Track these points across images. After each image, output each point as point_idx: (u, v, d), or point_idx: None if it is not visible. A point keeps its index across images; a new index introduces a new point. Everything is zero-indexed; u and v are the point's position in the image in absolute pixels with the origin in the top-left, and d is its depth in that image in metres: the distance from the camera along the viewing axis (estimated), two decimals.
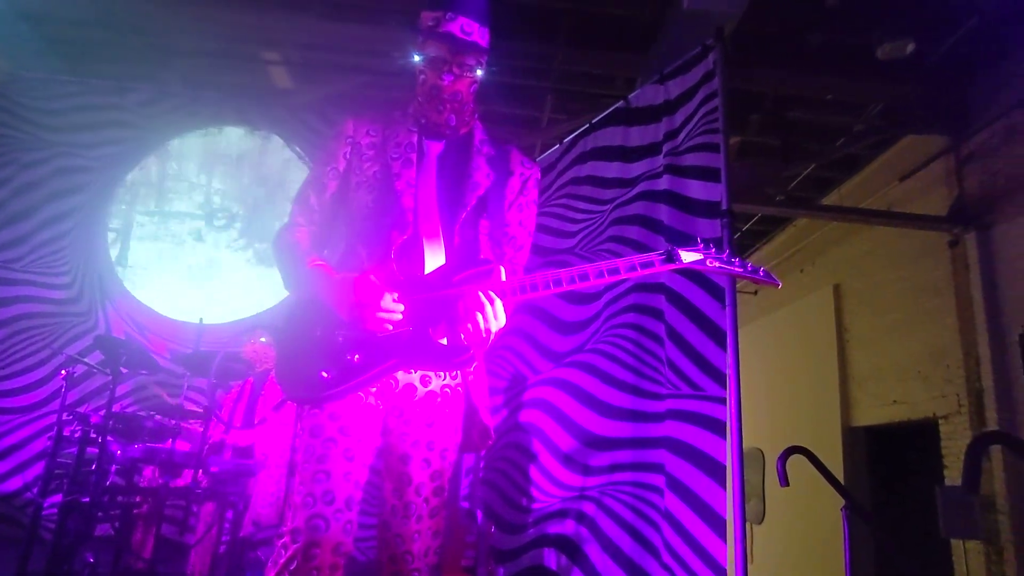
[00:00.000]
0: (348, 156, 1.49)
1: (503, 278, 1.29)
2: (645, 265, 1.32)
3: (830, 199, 6.43)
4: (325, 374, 1.31)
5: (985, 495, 4.39)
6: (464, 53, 1.41)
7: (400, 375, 1.39)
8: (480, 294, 1.24)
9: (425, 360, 1.35)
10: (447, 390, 1.42)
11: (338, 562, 1.24)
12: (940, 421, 4.99)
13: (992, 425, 4.47)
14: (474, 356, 1.37)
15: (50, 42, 4.89)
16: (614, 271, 1.29)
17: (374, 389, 1.38)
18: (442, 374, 1.42)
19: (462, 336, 1.30)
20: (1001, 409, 4.46)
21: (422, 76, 1.46)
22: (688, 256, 1.34)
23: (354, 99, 5.27)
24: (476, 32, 1.41)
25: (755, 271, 1.40)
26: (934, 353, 5.10)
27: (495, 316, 1.25)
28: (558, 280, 1.29)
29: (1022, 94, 4.41)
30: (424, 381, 1.40)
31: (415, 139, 1.48)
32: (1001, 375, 4.50)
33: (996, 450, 4.37)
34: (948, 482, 4.75)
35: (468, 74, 1.42)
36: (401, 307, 1.31)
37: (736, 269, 1.39)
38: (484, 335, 1.25)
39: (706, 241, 1.41)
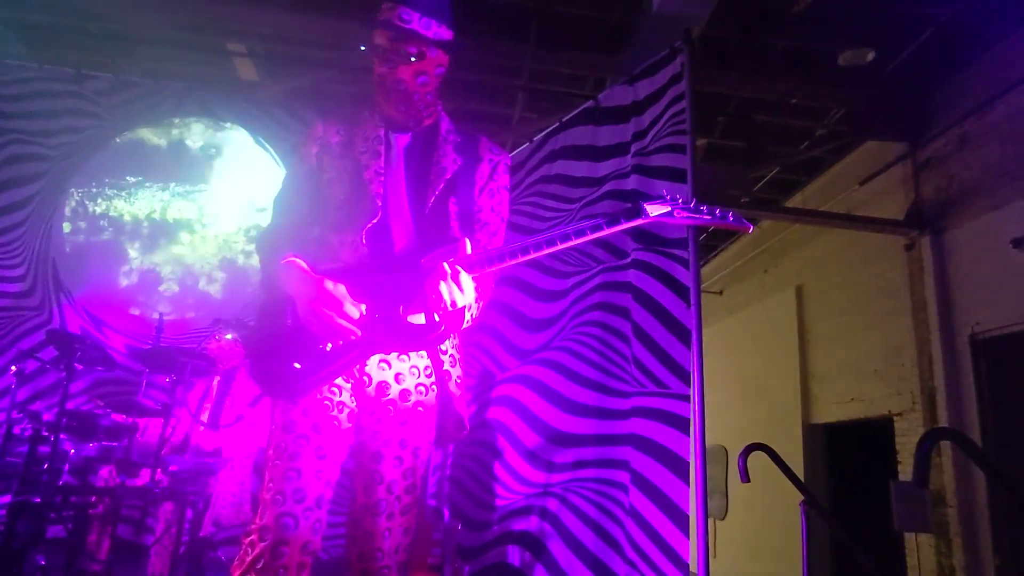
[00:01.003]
0: (319, 156, 1.51)
1: (468, 251, 1.28)
2: (611, 222, 1.28)
3: (793, 201, 6.58)
4: (298, 365, 1.30)
5: (935, 490, 4.55)
6: (402, 40, 1.41)
7: (374, 372, 1.39)
8: (445, 267, 1.24)
9: (398, 341, 1.34)
10: (421, 388, 1.42)
11: (305, 561, 1.22)
12: (895, 418, 5.15)
13: (944, 422, 4.63)
14: (445, 334, 1.36)
15: (4, 24, 4.71)
16: (580, 232, 1.28)
17: (348, 386, 1.38)
18: (416, 371, 1.42)
19: (433, 314, 1.30)
20: (951, 407, 4.62)
21: (374, 68, 1.49)
22: (655, 209, 1.30)
23: (320, 93, 5.20)
24: (416, 21, 1.41)
25: (724, 216, 1.34)
26: (890, 353, 5.27)
27: (461, 289, 1.24)
28: (525, 248, 1.28)
29: (976, 104, 4.58)
30: (398, 379, 1.41)
31: (382, 133, 1.51)
32: (952, 374, 4.67)
33: (947, 446, 4.53)
34: (902, 477, 4.91)
35: (405, 62, 1.42)
36: (357, 331, 1.31)
37: (704, 217, 1.33)
38: (452, 308, 1.25)
39: (672, 191, 1.38)
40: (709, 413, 2.90)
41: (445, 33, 1.45)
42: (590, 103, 3.80)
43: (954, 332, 4.71)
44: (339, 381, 1.36)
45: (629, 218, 1.28)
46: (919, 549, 4.69)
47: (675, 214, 1.31)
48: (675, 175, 3.13)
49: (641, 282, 3.17)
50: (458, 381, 1.48)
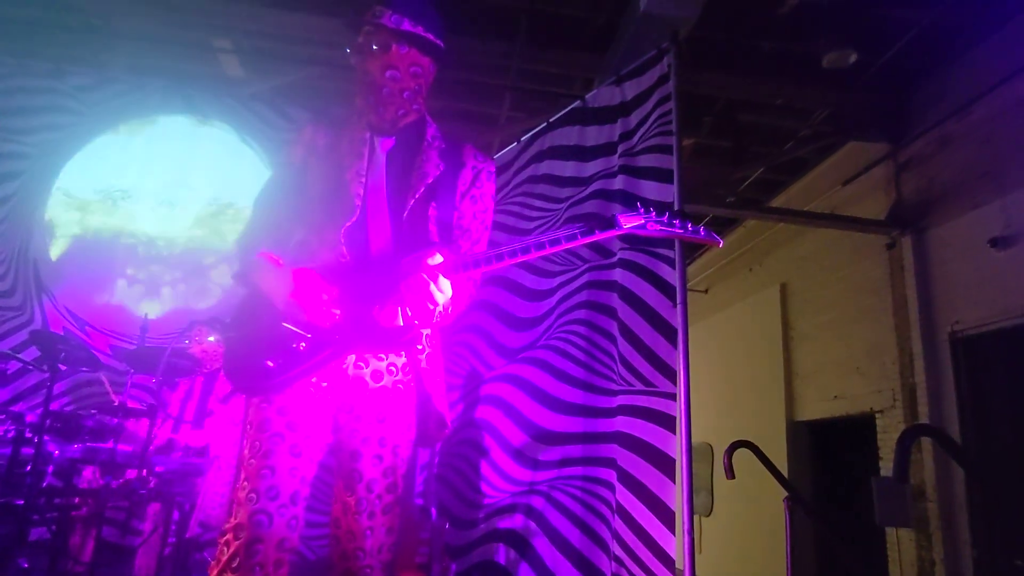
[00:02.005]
0: (305, 158, 1.53)
1: (442, 258, 1.30)
2: (585, 233, 1.33)
3: (778, 201, 6.65)
4: (271, 363, 1.30)
5: (916, 485, 4.63)
6: (371, 35, 1.47)
7: (351, 370, 1.39)
8: (423, 272, 1.26)
9: (372, 342, 1.35)
10: (399, 385, 1.42)
11: (283, 558, 1.23)
12: (877, 415, 5.23)
13: (924, 418, 4.71)
14: (418, 336, 1.39)
15: None
16: (556, 242, 1.31)
17: (325, 384, 1.38)
18: (394, 369, 1.42)
19: (407, 314, 1.33)
20: (932, 403, 4.70)
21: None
22: (628, 221, 1.35)
23: (307, 90, 5.17)
24: (386, 17, 1.47)
25: (695, 231, 1.40)
26: (872, 350, 5.34)
27: (439, 290, 1.27)
28: (500, 255, 1.30)
29: (956, 105, 4.65)
30: (375, 376, 1.41)
31: (367, 136, 1.53)
32: (932, 371, 4.75)
33: (927, 442, 4.61)
34: (884, 473, 4.99)
35: (371, 54, 1.46)
36: (336, 311, 1.33)
37: (676, 231, 1.39)
38: (429, 311, 1.28)
39: (646, 205, 1.42)
40: (694, 410, 2.93)
41: (415, 29, 1.48)
42: (577, 103, 3.81)
43: (934, 330, 4.79)
44: (315, 380, 1.36)
45: (603, 229, 1.33)
46: (900, 543, 4.77)
47: (647, 227, 1.36)
48: (662, 175, 3.16)
49: (627, 281, 3.20)
50: (437, 379, 1.48)
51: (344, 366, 1.39)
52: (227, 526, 1.24)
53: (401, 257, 1.35)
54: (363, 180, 1.46)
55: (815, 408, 5.99)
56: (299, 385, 1.34)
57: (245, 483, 1.26)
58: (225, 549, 1.22)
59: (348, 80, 1.55)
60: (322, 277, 1.34)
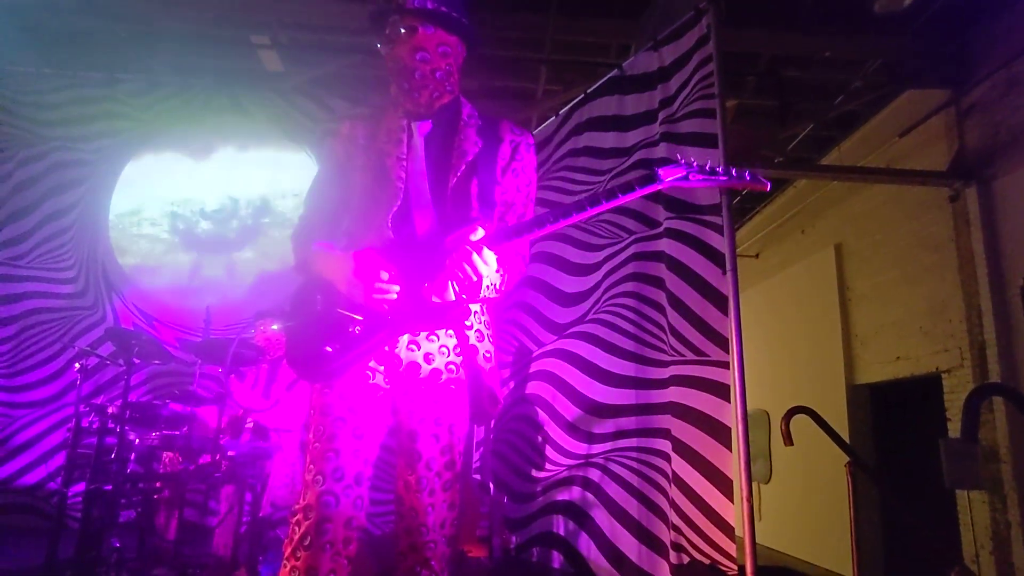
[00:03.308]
0: (347, 151, 1.57)
1: (483, 231, 1.32)
2: (625, 190, 1.30)
3: (829, 158, 6.39)
4: (329, 348, 1.35)
5: (987, 445, 4.46)
6: (398, 21, 1.49)
7: (404, 354, 1.43)
8: (466, 246, 1.28)
9: (423, 320, 1.39)
10: (452, 366, 1.46)
11: (351, 536, 1.29)
12: (944, 375, 5.04)
13: (995, 377, 4.51)
14: (467, 311, 1.41)
15: (37, 34, 4.85)
16: (595, 201, 1.30)
17: (381, 369, 1.42)
18: (445, 350, 1.46)
19: (455, 289, 1.36)
20: (1004, 361, 4.50)
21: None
22: (669, 174, 1.32)
23: (344, 79, 5.23)
24: (408, 1, 1.48)
25: (740, 176, 1.35)
26: (936, 308, 5.13)
27: (484, 263, 1.29)
28: (541, 221, 1.31)
29: (1023, 44, 4.35)
30: (428, 359, 1.44)
31: (404, 123, 1.55)
32: (1003, 327, 4.53)
33: (999, 401, 4.42)
34: (952, 435, 4.82)
35: (400, 39, 1.48)
36: (396, 287, 1.36)
37: (720, 179, 1.35)
38: (476, 285, 1.30)
39: (687, 156, 1.39)
40: (749, 377, 2.89)
41: (438, 8, 1.49)
42: (615, 72, 3.74)
43: (1004, 284, 4.56)
44: (372, 364, 1.41)
45: (643, 184, 1.30)
46: (972, 506, 4.61)
47: (690, 178, 1.32)
48: (705, 140, 3.08)
49: (674, 250, 3.15)
50: (487, 355, 1.50)
51: (396, 350, 1.43)
52: (297, 507, 1.31)
53: (446, 235, 1.38)
54: (404, 164, 1.49)
55: (876, 371, 5.81)
56: (357, 369, 1.39)
57: (312, 466, 1.32)
58: (296, 529, 1.28)
59: (384, 67, 1.56)
60: (380, 255, 1.38)
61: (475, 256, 1.28)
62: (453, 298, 1.39)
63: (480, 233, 1.31)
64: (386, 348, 1.42)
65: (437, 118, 1.55)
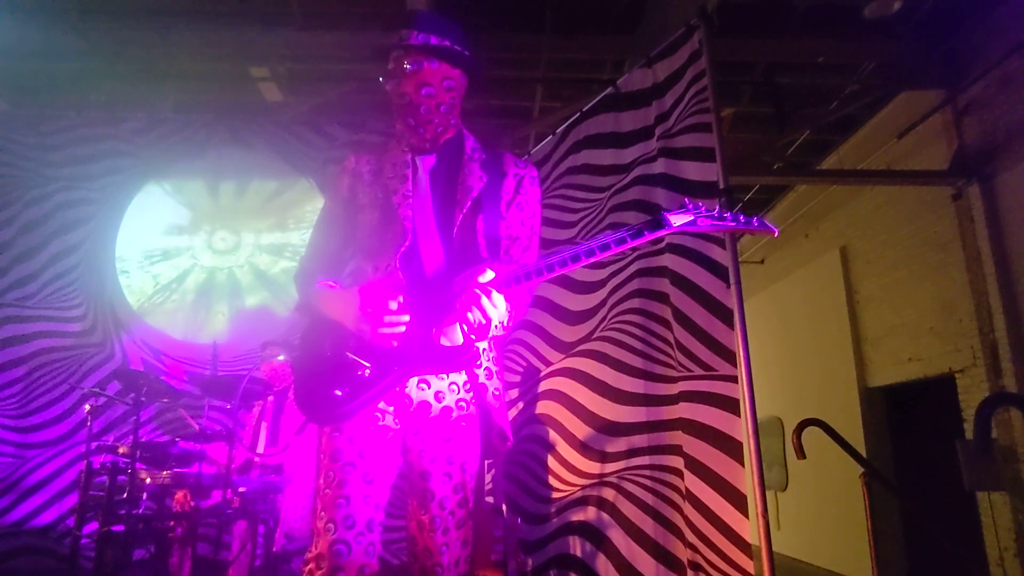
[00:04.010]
0: (352, 187, 1.57)
1: (493, 273, 1.31)
2: (635, 235, 1.29)
3: (829, 162, 6.39)
4: (338, 392, 1.34)
5: (1006, 445, 4.40)
6: (402, 57, 1.49)
7: (414, 394, 1.42)
8: (476, 289, 1.28)
9: (433, 363, 1.38)
10: (462, 404, 1.45)
11: None
12: (957, 375, 4.99)
13: (1008, 375, 4.47)
14: (477, 353, 1.40)
15: (40, 76, 4.93)
16: (605, 247, 1.29)
17: (391, 409, 1.41)
18: (455, 387, 1.45)
19: (464, 332, 1.35)
20: (1016, 358, 4.45)
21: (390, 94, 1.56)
22: (678, 219, 1.31)
23: (343, 107, 5.29)
24: (412, 37, 1.49)
25: (748, 222, 1.35)
26: (945, 308, 5.09)
27: (493, 305, 1.28)
28: (551, 265, 1.30)
29: (1014, 42, 4.36)
30: (438, 397, 1.43)
31: (408, 158, 1.55)
32: (1014, 324, 4.50)
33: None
34: (968, 435, 4.76)
35: (404, 74, 1.48)
36: (406, 317, 1.35)
37: (728, 224, 1.35)
38: (485, 327, 1.30)
39: (694, 201, 1.39)
40: (760, 385, 2.86)
41: (442, 43, 1.50)
42: (610, 89, 3.76)
43: (1012, 280, 4.53)
44: (382, 405, 1.40)
45: (652, 230, 1.30)
46: (993, 508, 4.55)
47: (698, 223, 1.32)
48: (703, 154, 3.09)
49: (677, 265, 3.15)
50: (496, 393, 1.49)
51: (406, 390, 1.42)
52: (309, 555, 1.30)
53: (454, 275, 1.37)
54: (410, 201, 1.48)
55: (888, 373, 5.76)
56: (367, 412, 1.38)
57: (323, 513, 1.30)
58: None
59: (381, 92, 1.57)
60: (387, 286, 1.37)
61: (484, 299, 1.27)
62: (462, 340, 1.38)
63: (489, 275, 1.30)
64: (396, 388, 1.41)
65: (441, 152, 1.56)
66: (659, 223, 1.30)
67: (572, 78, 5.34)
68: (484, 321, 1.29)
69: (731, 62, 4.99)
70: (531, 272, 1.31)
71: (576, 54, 5.03)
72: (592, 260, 1.29)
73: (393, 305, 1.34)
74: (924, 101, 5.19)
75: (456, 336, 1.39)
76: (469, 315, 1.28)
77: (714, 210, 1.33)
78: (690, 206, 1.33)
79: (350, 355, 1.36)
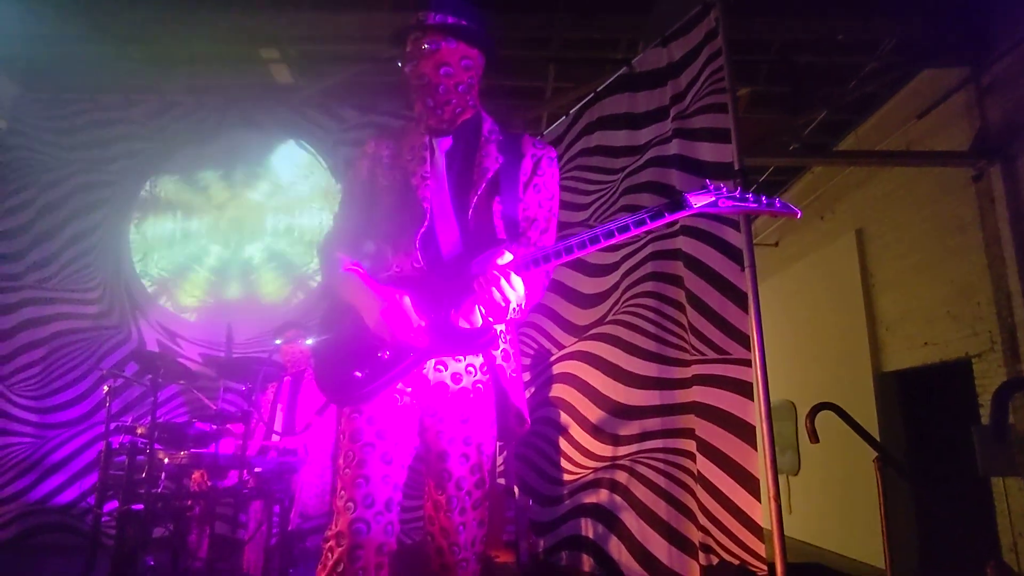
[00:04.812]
0: (371, 170, 1.58)
1: (511, 256, 1.32)
2: (655, 216, 1.28)
3: (846, 142, 6.28)
4: (358, 374, 1.37)
5: (1021, 430, 4.36)
6: (419, 38, 1.49)
7: (431, 375, 1.44)
8: (494, 271, 1.29)
9: (451, 346, 1.39)
10: (479, 385, 1.46)
11: (382, 561, 1.30)
12: (974, 360, 4.93)
13: None
14: (495, 337, 1.42)
15: (53, 61, 4.94)
16: (624, 228, 1.28)
17: (409, 390, 1.43)
18: (472, 369, 1.46)
19: (482, 315, 1.37)
20: None
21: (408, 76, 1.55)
22: (698, 200, 1.30)
23: (353, 88, 5.26)
24: (430, 17, 1.48)
25: (771, 203, 1.34)
26: (963, 291, 5.02)
27: (512, 288, 1.29)
28: (569, 247, 1.30)
29: None
30: (455, 379, 1.45)
31: (426, 140, 1.56)
32: None
33: None
34: (984, 420, 4.71)
35: (423, 55, 1.48)
36: (422, 324, 1.37)
37: (751, 205, 1.33)
38: (503, 309, 1.30)
39: (716, 182, 1.38)
40: (774, 369, 2.85)
41: (460, 22, 1.49)
42: (624, 70, 3.71)
43: None
44: (400, 386, 1.41)
45: (672, 211, 1.29)
46: (1008, 493, 4.51)
47: (719, 204, 1.30)
48: (718, 135, 3.05)
49: (692, 248, 3.13)
50: (512, 375, 1.50)
51: (424, 371, 1.44)
52: (329, 533, 1.32)
53: (471, 257, 1.38)
54: (428, 182, 1.49)
55: (904, 357, 5.70)
56: (385, 393, 1.40)
57: (342, 492, 1.33)
58: (329, 555, 1.30)
59: (392, 73, 1.57)
60: (411, 298, 1.39)
61: (503, 282, 1.28)
62: (481, 323, 1.39)
63: (508, 257, 1.31)
64: (414, 370, 1.43)
65: (458, 134, 1.55)
66: (680, 204, 1.29)
67: (585, 58, 5.26)
68: (503, 304, 1.29)
69: (747, 40, 4.89)
70: (549, 254, 1.31)
71: (590, 33, 4.95)
72: (611, 242, 1.28)
73: (416, 323, 1.36)
74: (946, 80, 5.07)
75: (475, 318, 1.39)
76: (487, 297, 1.29)
77: (736, 191, 1.31)
78: (711, 187, 1.32)
79: (372, 337, 1.38)
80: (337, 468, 1.37)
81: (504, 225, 1.46)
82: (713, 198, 1.31)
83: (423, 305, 1.39)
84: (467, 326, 1.39)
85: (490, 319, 1.37)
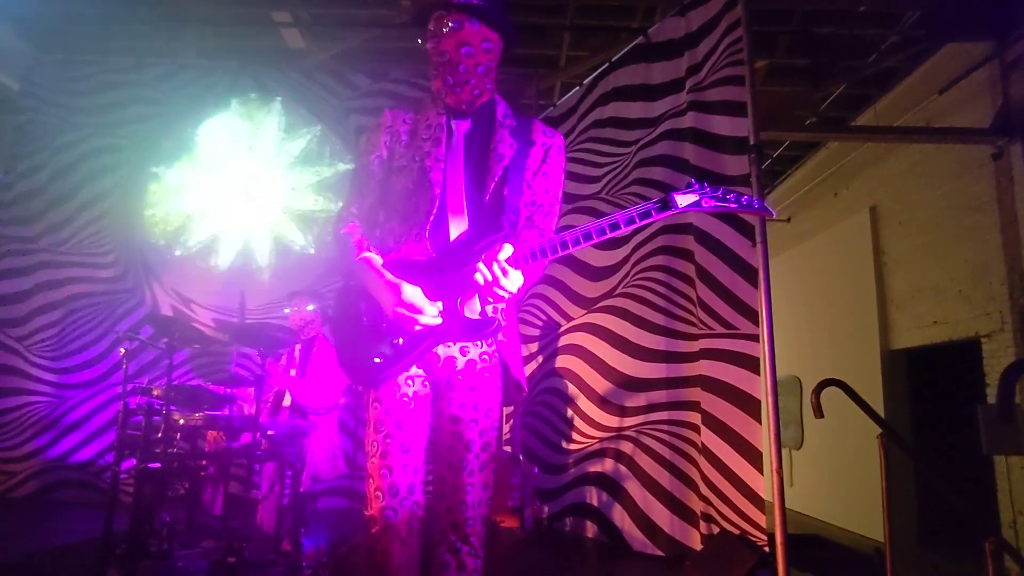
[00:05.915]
0: (388, 144, 1.61)
1: (510, 250, 1.39)
2: (643, 216, 1.36)
3: (865, 117, 6.17)
4: (377, 359, 1.48)
5: None
6: (443, 17, 1.51)
7: (441, 350, 1.53)
8: (495, 265, 1.36)
9: (459, 333, 1.49)
10: (485, 357, 1.56)
11: (413, 528, 1.47)
12: (983, 340, 4.92)
13: None
14: (499, 325, 1.50)
15: (65, 22, 4.91)
16: (615, 226, 1.36)
17: (422, 372, 1.53)
18: (479, 343, 1.55)
19: (488, 301, 1.47)
20: None
21: (429, 55, 1.57)
22: (683, 200, 1.37)
23: (365, 54, 5.20)
24: None
25: (748, 204, 1.42)
26: (976, 271, 4.98)
27: (510, 281, 1.38)
28: (564, 243, 1.37)
29: None
30: (463, 351, 1.54)
31: (444, 120, 1.59)
32: None
33: None
34: (991, 401, 4.72)
35: (445, 33, 1.50)
36: (438, 320, 1.45)
37: (731, 205, 1.40)
38: (503, 299, 1.40)
39: (700, 180, 1.45)
40: (781, 343, 2.86)
41: (482, 4, 1.51)
42: (640, 39, 3.66)
43: None
44: (413, 370, 1.52)
45: (660, 211, 1.36)
46: (1010, 473, 4.55)
47: (702, 203, 1.38)
48: (734, 108, 3.02)
49: (703, 222, 3.12)
50: (511, 347, 1.59)
51: (434, 348, 1.53)
52: (367, 513, 1.48)
53: (477, 243, 1.45)
54: (442, 165, 1.53)
55: (912, 335, 5.69)
56: (400, 382, 1.50)
57: (371, 480, 1.48)
58: (372, 525, 1.46)
59: (404, 40, 1.57)
60: (420, 286, 1.46)
61: (503, 278, 1.37)
62: (489, 312, 1.50)
63: (508, 251, 1.38)
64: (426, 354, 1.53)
65: (476, 117, 1.59)
66: (667, 204, 1.36)
67: (600, 26, 5.17)
68: (505, 295, 1.39)
69: (767, 10, 4.79)
70: (546, 249, 1.38)
71: (605, 0, 4.86)
72: (603, 239, 1.37)
73: (428, 310, 1.43)
74: (969, 55, 4.95)
75: (477, 306, 1.48)
76: (489, 292, 1.38)
77: (718, 191, 1.38)
78: (695, 186, 1.40)
79: (387, 325, 1.48)
80: (368, 452, 1.51)
81: (511, 211, 1.52)
82: (697, 197, 1.38)
83: (432, 294, 1.46)
84: (471, 315, 1.47)
85: (489, 300, 1.47)
